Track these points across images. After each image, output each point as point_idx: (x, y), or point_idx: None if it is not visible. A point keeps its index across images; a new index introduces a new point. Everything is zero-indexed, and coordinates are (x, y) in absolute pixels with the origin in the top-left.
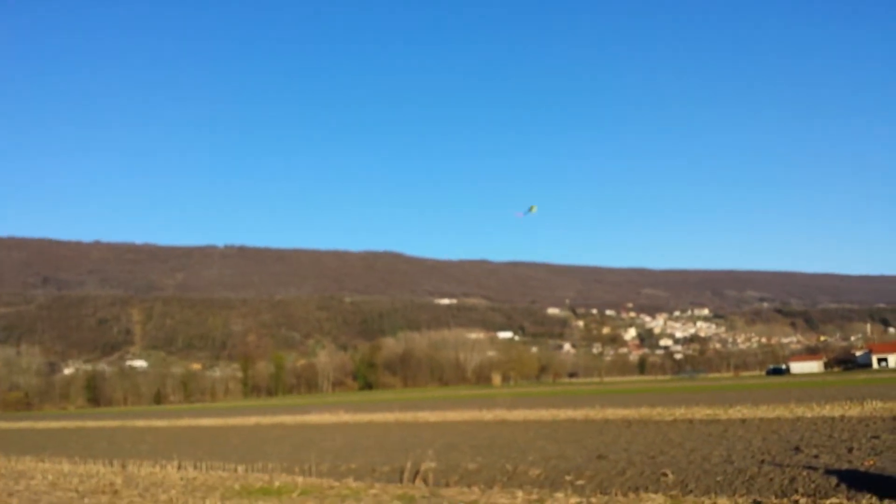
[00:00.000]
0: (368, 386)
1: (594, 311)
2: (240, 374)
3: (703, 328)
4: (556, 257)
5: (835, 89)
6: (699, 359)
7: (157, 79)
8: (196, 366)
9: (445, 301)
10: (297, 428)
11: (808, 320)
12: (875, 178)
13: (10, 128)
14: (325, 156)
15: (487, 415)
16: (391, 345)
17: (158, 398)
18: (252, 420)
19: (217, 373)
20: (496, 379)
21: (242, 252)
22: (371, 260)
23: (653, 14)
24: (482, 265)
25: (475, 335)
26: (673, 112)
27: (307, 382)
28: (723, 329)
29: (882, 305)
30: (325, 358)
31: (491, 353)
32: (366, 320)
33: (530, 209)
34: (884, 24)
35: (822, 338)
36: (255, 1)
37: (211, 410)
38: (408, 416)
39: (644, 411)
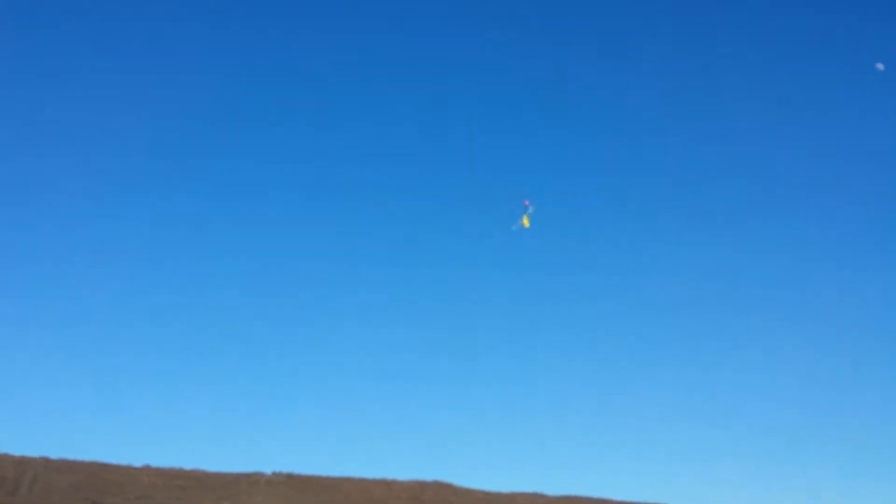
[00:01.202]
0: None
1: None
2: None
3: None
4: (612, 492)
5: None
6: None
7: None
8: None
9: None
10: None
11: None
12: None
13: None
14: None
15: None
16: None
17: None
18: None
19: None
20: None
21: (290, 480)
22: (418, 491)
23: None
24: (535, 498)
25: None
26: None
27: None
28: None
29: None
30: None
31: None
32: None
33: (525, 217)
34: None
35: None
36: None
37: None
38: None
39: None
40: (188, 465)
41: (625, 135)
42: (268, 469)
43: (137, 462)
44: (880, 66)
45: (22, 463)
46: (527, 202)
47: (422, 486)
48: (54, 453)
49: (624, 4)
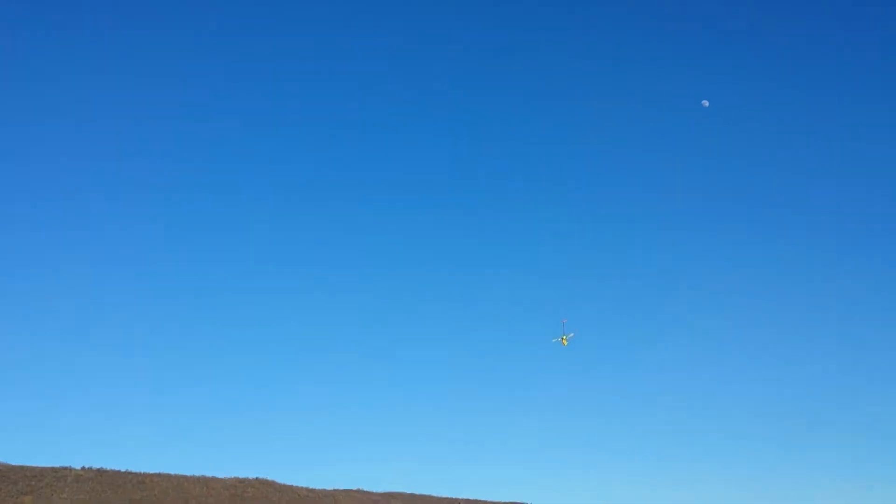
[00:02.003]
0: None
1: None
2: None
3: None
4: (436, 488)
5: None
6: None
7: None
8: None
9: None
10: None
11: None
12: None
13: None
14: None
15: None
16: None
17: None
18: None
19: None
20: None
21: (100, 475)
22: (239, 488)
23: None
24: (358, 495)
25: None
26: None
27: None
28: None
29: None
30: None
31: None
32: None
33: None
34: None
35: None
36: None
37: None
38: None
39: None
40: None
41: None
42: (76, 464)
43: None
44: (705, 104)
45: None
46: (564, 320)
47: (243, 483)
48: None
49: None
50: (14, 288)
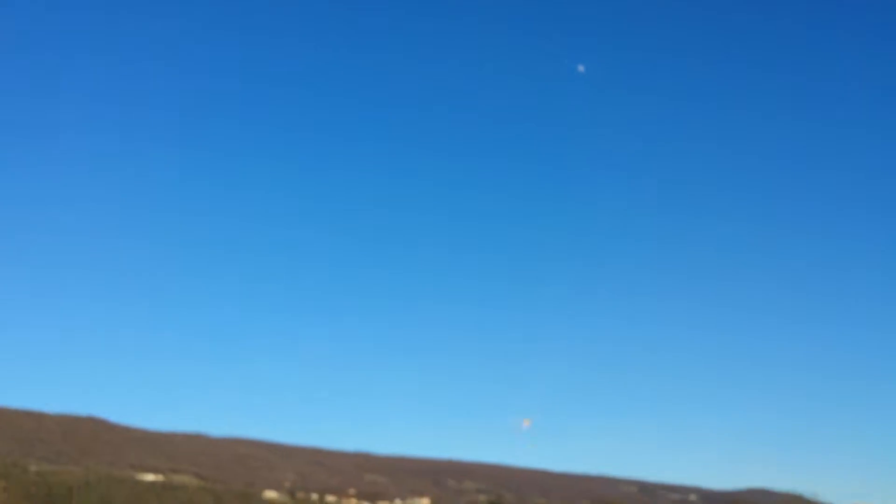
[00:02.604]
0: None
1: (314, 495)
2: None
3: None
4: (277, 435)
5: None
6: None
7: None
8: None
9: (150, 477)
10: None
11: None
12: (582, 384)
13: None
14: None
15: None
16: None
17: None
18: None
19: None
20: None
21: None
22: (70, 424)
23: None
24: (196, 439)
25: None
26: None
27: None
28: None
29: (586, 503)
30: None
31: None
32: (51, 494)
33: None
34: None
35: None
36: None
37: None
38: None
39: None
40: None
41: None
42: None
43: None
44: (581, 68)
45: None
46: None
47: (76, 420)
48: None
49: None
50: None
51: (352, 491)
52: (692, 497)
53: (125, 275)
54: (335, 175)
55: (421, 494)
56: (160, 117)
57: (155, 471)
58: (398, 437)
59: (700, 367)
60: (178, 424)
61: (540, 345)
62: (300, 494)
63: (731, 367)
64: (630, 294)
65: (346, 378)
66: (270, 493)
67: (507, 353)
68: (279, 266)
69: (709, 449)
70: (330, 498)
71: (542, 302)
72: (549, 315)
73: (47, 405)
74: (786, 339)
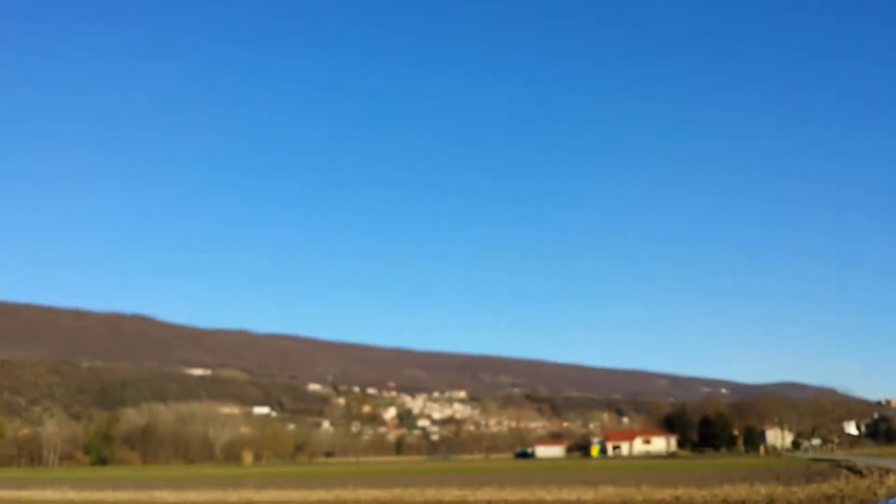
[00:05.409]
0: (102, 461)
1: (356, 388)
2: None
3: (460, 410)
4: (320, 332)
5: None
6: (454, 440)
7: None
8: None
9: (198, 372)
10: None
11: (554, 407)
12: (617, 280)
13: None
14: (72, 201)
15: (233, 495)
16: (132, 416)
17: None
18: None
19: None
20: (247, 457)
21: None
22: (116, 322)
23: None
24: (241, 336)
25: (228, 410)
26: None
27: (29, 455)
28: (477, 412)
29: (618, 397)
30: (53, 428)
31: (244, 430)
32: (105, 388)
33: None
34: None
35: (565, 424)
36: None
37: None
38: (143, 495)
39: (396, 492)
40: None
41: None
42: None
43: None
44: None
45: None
46: None
47: (122, 318)
48: None
49: None
50: None
51: (391, 384)
52: (723, 390)
53: (174, 169)
54: None
55: (458, 388)
56: None
57: (203, 366)
58: (436, 333)
59: (733, 261)
60: (222, 322)
61: (575, 238)
62: (342, 387)
63: (763, 260)
64: (667, 188)
65: (387, 275)
66: (314, 386)
67: (543, 250)
68: (328, 169)
69: (740, 343)
70: (371, 390)
71: (578, 201)
72: (582, 212)
73: (92, 303)
74: (819, 232)
